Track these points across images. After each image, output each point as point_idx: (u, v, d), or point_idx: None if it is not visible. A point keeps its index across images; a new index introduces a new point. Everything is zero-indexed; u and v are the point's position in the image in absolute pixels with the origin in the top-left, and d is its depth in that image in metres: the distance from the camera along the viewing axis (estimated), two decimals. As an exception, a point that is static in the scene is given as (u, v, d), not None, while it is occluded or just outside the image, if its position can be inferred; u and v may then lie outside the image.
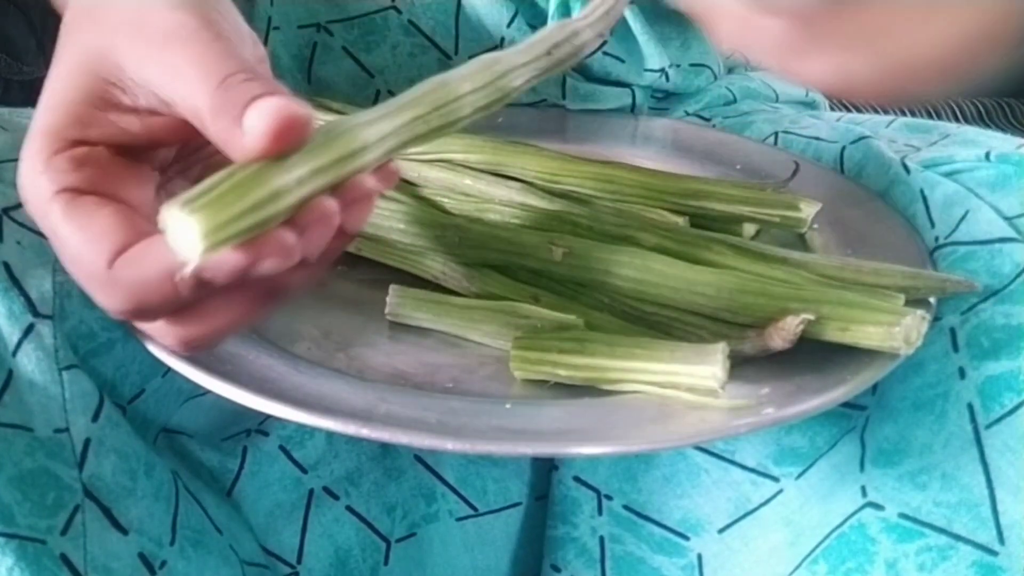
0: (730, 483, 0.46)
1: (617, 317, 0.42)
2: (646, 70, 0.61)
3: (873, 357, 0.37)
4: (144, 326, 0.33)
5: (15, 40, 0.63)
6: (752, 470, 0.46)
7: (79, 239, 0.30)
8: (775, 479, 0.45)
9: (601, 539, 0.49)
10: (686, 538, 0.47)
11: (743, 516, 0.46)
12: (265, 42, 0.57)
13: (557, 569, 0.51)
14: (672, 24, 0.63)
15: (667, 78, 0.63)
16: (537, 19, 0.59)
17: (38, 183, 0.31)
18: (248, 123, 0.28)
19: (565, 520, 0.50)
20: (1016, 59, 0.36)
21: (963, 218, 0.44)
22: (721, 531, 0.46)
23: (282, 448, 0.48)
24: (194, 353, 0.34)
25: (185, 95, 0.30)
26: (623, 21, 0.60)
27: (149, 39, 0.31)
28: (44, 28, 0.64)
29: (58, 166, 0.31)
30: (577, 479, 0.50)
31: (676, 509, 0.48)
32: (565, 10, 0.58)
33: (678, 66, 0.63)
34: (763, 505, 0.45)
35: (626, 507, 0.49)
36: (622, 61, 0.61)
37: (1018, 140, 0.50)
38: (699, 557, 0.47)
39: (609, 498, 0.49)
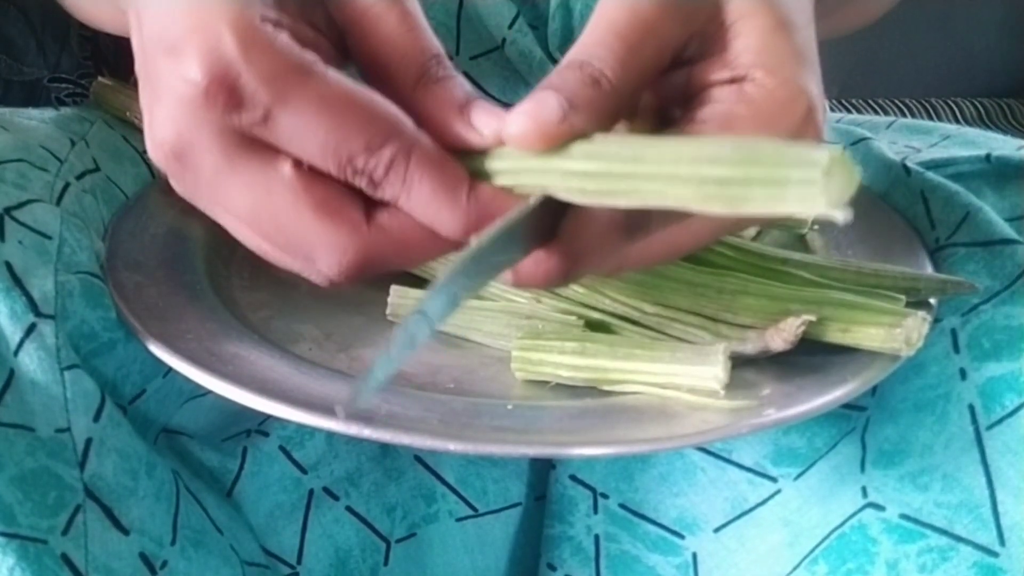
0: (727, 482, 0.46)
1: (618, 318, 0.42)
2: None
3: (874, 358, 0.37)
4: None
5: (15, 40, 0.63)
6: (749, 470, 0.46)
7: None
8: (773, 479, 0.45)
9: (596, 537, 0.49)
10: (681, 537, 0.47)
11: (740, 516, 0.46)
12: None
13: (553, 568, 0.51)
14: None
15: None
16: (538, 20, 0.59)
17: (272, 48, 0.31)
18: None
19: (561, 519, 0.50)
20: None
21: (964, 219, 0.44)
22: (717, 530, 0.46)
23: (282, 448, 0.48)
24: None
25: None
26: None
27: None
28: (44, 29, 0.64)
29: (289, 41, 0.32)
30: (573, 478, 0.50)
31: (672, 508, 0.48)
32: (566, 10, 0.58)
33: None
34: (760, 505, 0.45)
35: (622, 505, 0.49)
36: None
37: (1018, 141, 0.50)
38: (694, 556, 0.47)
39: (605, 497, 0.49)
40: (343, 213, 0.33)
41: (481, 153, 0.34)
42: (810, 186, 0.27)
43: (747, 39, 0.35)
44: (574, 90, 0.33)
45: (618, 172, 0.31)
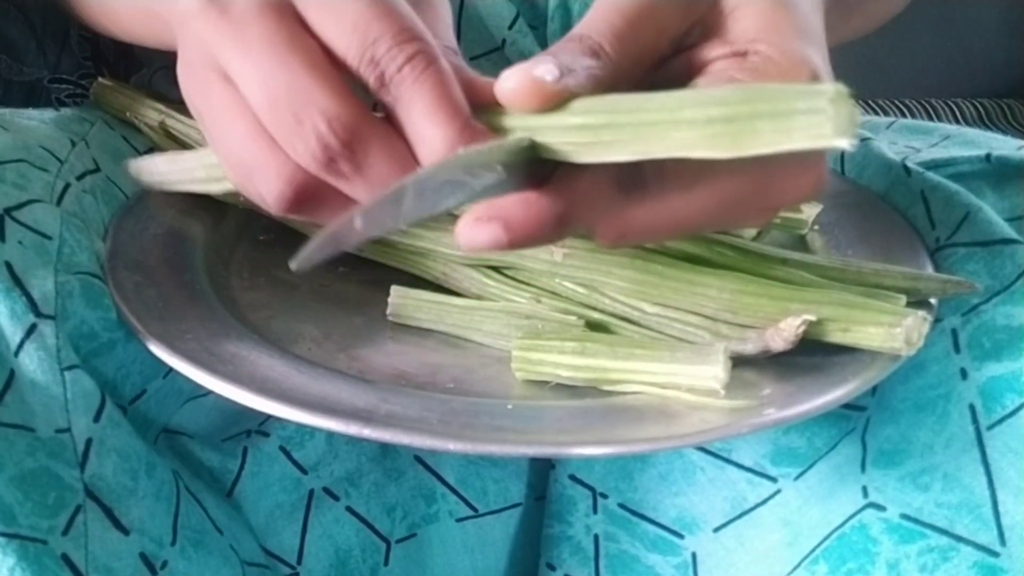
0: (726, 482, 0.46)
1: (617, 318, 0.42)
2: None
3: (874, 358, 0.37)
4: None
5: (15, 41, 0.63)
6: (749, 469, 0.46)
7: None
8: (772, 479, 0.45)
9: (596, 537, 0.49)
10: (680, 536, 0.47)
11: (739, 515, 0.46)
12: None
13: (552, 567, 0.51)
14: None
15: None
16: (537, 20, 0.59)
17: None
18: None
19: (561, 519, 0.50)
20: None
21: (964, 219, 0.44)
22: (716, 530, 0.46)
23: (282, 449, 0.48)
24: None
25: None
26: None
27: None
28: (44, 29, 0.64)
29: None
30: (573, 477, 0.50)
31: (671, 507, 0.48)
32: (565, 10, 0.58)
33: None
34: (760, 505, 0.45)
35: (621, 505, 0.49)
36: None
37: (1018, 141, 0.50)
38: (693, 556, 0.47)
39: (604, 496, 0.49)
40: (346, 95, 0.33)
41: (479, 110, 0.35)
42: (817, 115, 0.27)
43: (748, 20, 0.35)
44: (572, 57, 0.33)
45: (620, 123, 0.31)
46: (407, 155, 0.34)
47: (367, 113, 0.34)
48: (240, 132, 0.35)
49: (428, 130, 0.33)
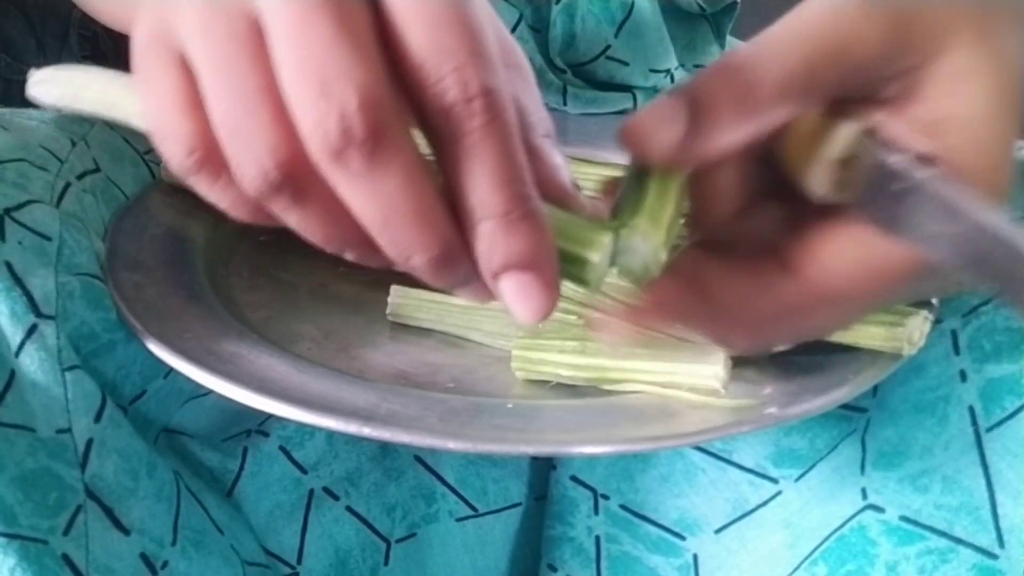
0: (728, 483, 0.46)
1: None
2: (652, 71, 0.61)
3: (875, 358, 0.37)
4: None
5: (15, 40, 0.63)
6: (750, 471, 0.46)
7: None
8: (774, 480, 0.45)
9: (597, 538, 0.49)
10: (682, 538, 0.47)
11: (740, 517, 0.46)
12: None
13: (553, 568, 0.51)
14: (680, 24, 0.63)
15: (672, 79, 0.63)
16: (540, 23, 0.59)
17: None
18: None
19: (562, 520, 0.50)
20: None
21: (964, 220, 0.44)
22: (718, 531, 0.46)
23: (282, 448, 0.48)
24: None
25: None
26: (632, 20, 0.60)
27: None
28: (44, 28, 0.64)
29: None
30: (574, 478, 0.50)
31: (673, 509, 0.48)
32: (567, 15, 0.58)
33: (683, 66, 0.63)
34: (761, 506, 0.45)
35: (623, 506, 0.49)
36: (626, 64, 0.61)
37: (1018, 141, 0.50)
38: (695, 557, 0.47)
39: (606, 497, 0.49)
40: (386, 85, 0.27)
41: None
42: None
43: (952, 101, 0.30)
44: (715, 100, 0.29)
45: None
46: (428, 181, 0.29)
47: (403, 114, 0.28)
48: (246, 85, 0.28)
49: (484, 183, 0.28)
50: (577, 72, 0.61)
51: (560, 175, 0.31)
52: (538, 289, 0.29)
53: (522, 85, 0.33)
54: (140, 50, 0.31)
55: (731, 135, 0.30)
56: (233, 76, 0.28)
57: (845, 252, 0.31)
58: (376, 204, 0.28)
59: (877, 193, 0.30)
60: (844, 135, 0.31)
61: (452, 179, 0.29)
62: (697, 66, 0.64)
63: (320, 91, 0.27)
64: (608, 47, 0.60)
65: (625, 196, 0.32)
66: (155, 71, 0.30)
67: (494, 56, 0.28)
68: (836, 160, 0.31)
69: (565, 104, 0.61)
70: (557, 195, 0.31)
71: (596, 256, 0.29)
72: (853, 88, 0.31)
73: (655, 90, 0.64)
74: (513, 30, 0.58)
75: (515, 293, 0.29)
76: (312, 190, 0.29)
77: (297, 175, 0.28)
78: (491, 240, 0.28)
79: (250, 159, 0.28)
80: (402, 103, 0.28)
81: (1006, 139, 0.31)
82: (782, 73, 0.29)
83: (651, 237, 0.31)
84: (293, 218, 0.30)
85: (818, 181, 0.31)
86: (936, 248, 0.29)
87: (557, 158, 0.32)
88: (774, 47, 0.30)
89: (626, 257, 0.31)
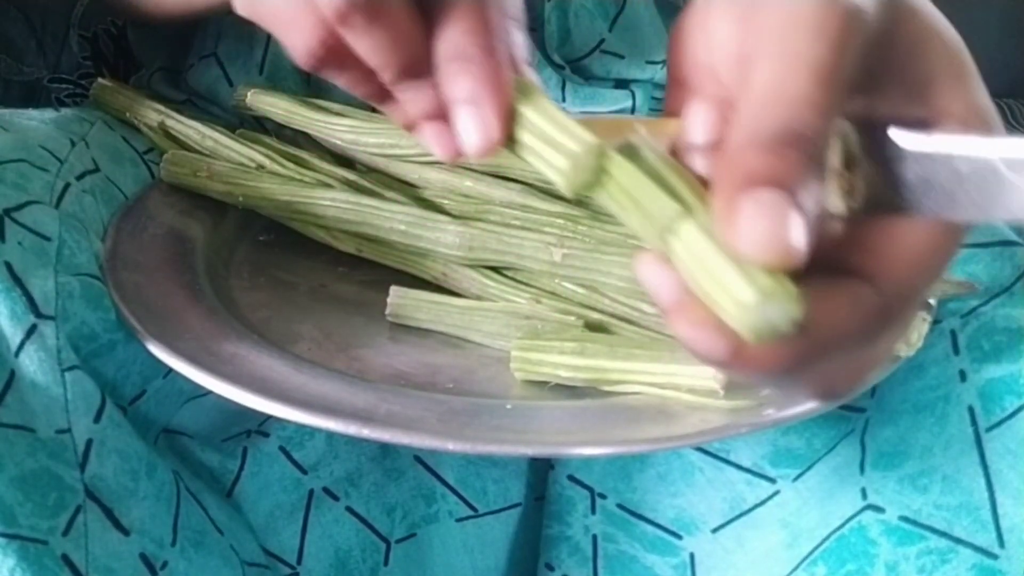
0: (725, 483, 0.46)
1: (617, 318, 0.42)
2: (648, 62, 0.61)
3: (874, 359, 0.37)
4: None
5: (15, 40, 0.63)
6: (748, 470, 0.46)
7: None
8: (771, 480, 0.45)
9: (594, 538, 0.49)
10: (679, 537, 0.47)
11: (738, 516, 0.46)
12: (267, 43, 0.56)
13: (551, 568, 0.51)
14: (674, 21, 0.63)
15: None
16: (534, 22, 0.59)
17: None
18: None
19: (559, 519, 0.50)
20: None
21: (963, 220, 0.44)
22: (715, 531, 0.47)
23: (282, 449, 0.48)
24: None
25: None
26: (626, 14, 0.60)
27: None
28: (44, 29, 0.64)
29: None
30: (571, 478, 0.50)
31: (670, 508, 0.48)
32: (561, 11, 0.58)
33: None
34: (759, 506, 0.45)
35: (620, 506, 0.49)
36: (622, 57, 0.61)
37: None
38: (692, 556, 0.47)
39: (603, 497, 0.49)
40: None
41: None
42: None
43: (925, 62, 0.30)
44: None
45: None
46: (418, 35, 0.34)
47: None
48: None
49: (455, 33, 0.33)
50: (575, 68, 0.61)
51: (518, 53, 0.35)
52: (483, 121, 0.33)
53: None
54: None
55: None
56: None
57: (906, 244, 0.30)
58: (381, 50, 0.34)
59: (890, 182, 0.30)
60: (837, 142, 0.30)
61: (436, 33, 0.34)
62: None
63: None
64: (603, 41, 0.60)
65: None
66: None
67: None
68: (839, 169, 0.30)
69: (564, 100, 0.61)
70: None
71: (579, 148, 0.30)
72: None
73: (652, 83, 0.64)
74: None
75: (463, 123, 0.34)
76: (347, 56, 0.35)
77: (333, 46, 0.34)
78: (452, 75, 0.33)
79: (295, 44, 0.35)
80: None
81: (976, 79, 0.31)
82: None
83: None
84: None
85: (832, 197, 0.30)
86: (954, 206, 0.28)
87: (519, 38, 0.35)
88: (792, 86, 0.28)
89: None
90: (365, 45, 0.34)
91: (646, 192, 0.29)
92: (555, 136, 0.31)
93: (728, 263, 0.25)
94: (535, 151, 0.32)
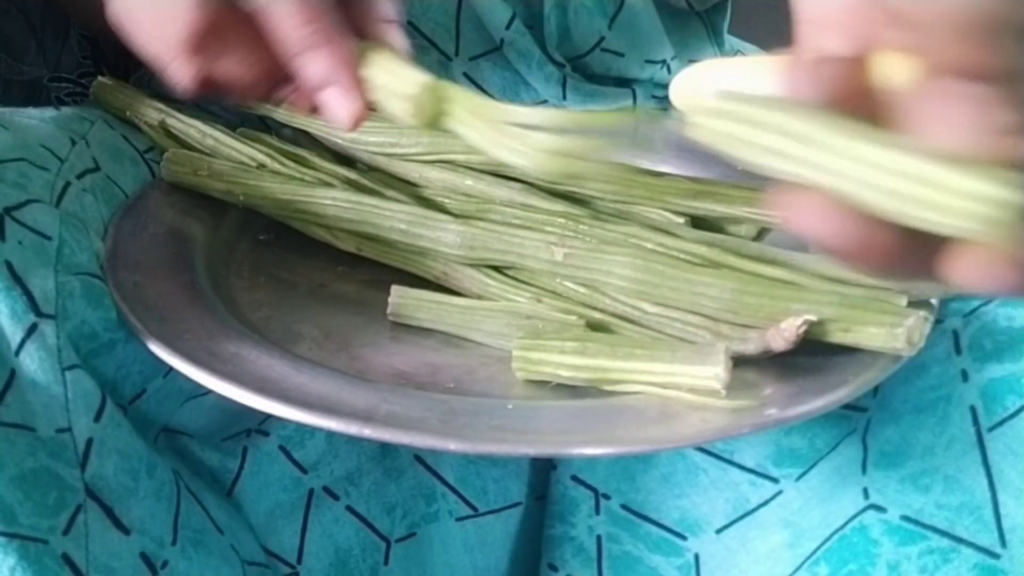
0: (728, 483, 0.46)
1: (618, 318, 0.42)
2: (647, 61, 0.61)
3: (875, 358, 0.37)
4: None
5: (15, 40, 0.63)
6: (751, 471, 0.46)
7: None
8: (774, 480, 0.45)
9: (598, 538, 0.49)
10: (683, 538, 0.47)
11: (741, 517, 0.46)
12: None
13: (554, 568, 0.51)
14: (672, 20, 0.63)
15: (669, 70, 0.63)
16: (533, 20, 0.59)
17: None
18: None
19: (563, 519, 0.50)
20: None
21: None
22: (719, 531, 0.46)
23: (282, 448, 0.47)
24: None
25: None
26: (624, 13, 0.60)
27: None
28: (44, 27, 0.64)
29: None
30: (575, 478, 0.50)
31: (674, 509, 0.48)
32: (560, 10, 0.58)
33: (677, 57, 0.63)
34: (762, 506, 0.45)
35: (624, 506, 0.49)
36: (622, 55, 0.61)
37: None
38: (696, 557, 0.47)
39: (607, 497, 0.49)
40: None
41: None
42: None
43: None
44: None
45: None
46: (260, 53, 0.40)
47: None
48: None
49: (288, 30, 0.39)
50: (575, 66, 0.61)
51: (385, 13, 0.41)
52: (343, 97, 0.39)
53: None
54: None
55: None
56: None
57: None
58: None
59: None
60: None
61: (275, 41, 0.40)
62: (692, 61, 0.64)
63: None
64: (602, 39, 0.60)
65: None
66: None
67: None
68: None
69: (565, 98, 0.61)
70: (377, 32, 0.41)
71: (415, 90, 0.37)
72: None
73: (653, 82, 0.64)
74: (508, 27, 0.58)
75: (327, 106, 0.40)
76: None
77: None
78: (301, 68, 0.40)
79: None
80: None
81: None
82: None
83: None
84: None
85: None
86: None
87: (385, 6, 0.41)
88: None
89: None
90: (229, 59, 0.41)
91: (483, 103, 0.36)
92: (397, 88, 0.38)
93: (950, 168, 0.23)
94: (390, 106, 0.39)
